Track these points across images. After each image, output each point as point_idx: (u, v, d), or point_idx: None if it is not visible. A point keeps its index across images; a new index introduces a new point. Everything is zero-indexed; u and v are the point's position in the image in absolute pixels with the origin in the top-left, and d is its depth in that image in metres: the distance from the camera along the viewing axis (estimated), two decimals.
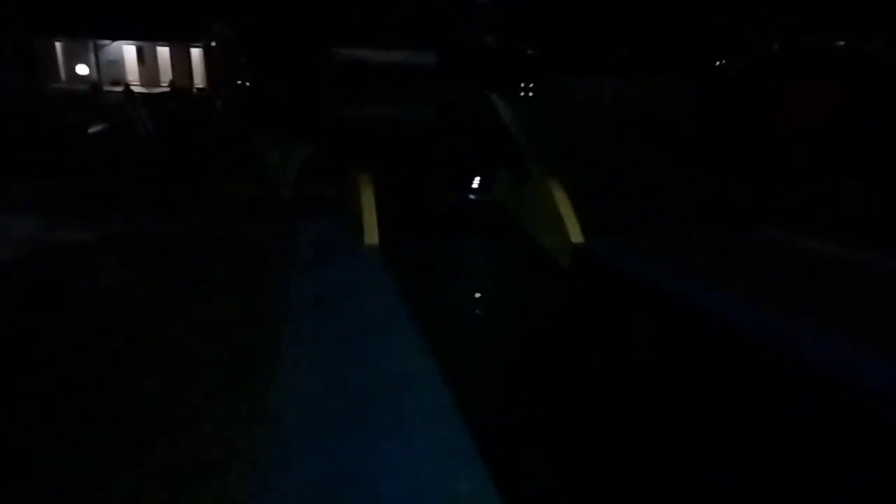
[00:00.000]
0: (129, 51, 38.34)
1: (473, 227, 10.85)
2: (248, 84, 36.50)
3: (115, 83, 35.07)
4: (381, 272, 7.28)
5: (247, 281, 6.87)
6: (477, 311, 7.95)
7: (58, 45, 37.89)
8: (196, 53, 38.68)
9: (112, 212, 9.82)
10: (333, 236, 8.77)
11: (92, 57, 37.80)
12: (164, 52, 38.51)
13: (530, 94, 39.06)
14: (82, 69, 35.33)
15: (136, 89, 35.45)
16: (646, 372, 6.79)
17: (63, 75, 38.54)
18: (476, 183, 13.50)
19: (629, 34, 43.99)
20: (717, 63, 40.11)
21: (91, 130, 20.60)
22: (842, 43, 39.61)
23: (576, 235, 8.63)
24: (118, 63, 38.17)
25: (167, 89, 34.86)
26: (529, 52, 44.42)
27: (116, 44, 37.83)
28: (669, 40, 43.80)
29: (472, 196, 12.73)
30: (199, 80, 38.54)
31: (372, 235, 8.21)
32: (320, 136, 13.08)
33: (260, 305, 6.14)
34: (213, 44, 38.62)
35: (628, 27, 44.46)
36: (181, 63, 38.41)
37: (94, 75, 36.82)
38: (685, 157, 17.28)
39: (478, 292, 8.40)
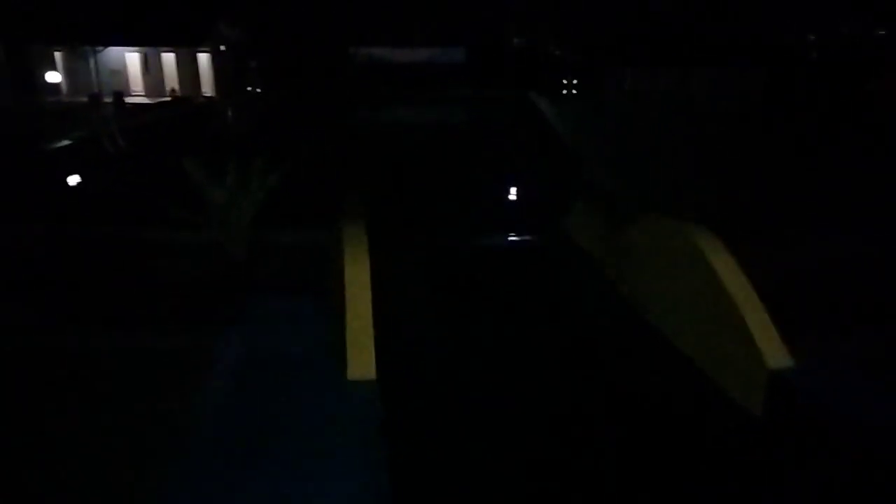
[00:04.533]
0: (132, 58, 35.21)
1: (546, 297, 6.69)
2: (258, 90, 32.97)
3: (119, 94, 31.95)
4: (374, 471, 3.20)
5: None
6: None
7: (57, 55, 34.91)
8: (204, 59, 35.35)
9: None
10: (290, 355, 4.73)
11: (92, 66, 34.74)
12: (169, 58, 35.26)
13: (573, 91, 34.60)
14: (53, 77, 31.95)
15: (139, 100, 32.30)
16: None
17: (64, 88, 35.57)
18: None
19: (680, 16, 39.00)
20: (791, 48, 35.12)
21: (51, 147, 17.03)
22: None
23: (774, 353, 4.39)
24: (120, 72, 35.04)
25: (169, 99, 31.59)
26: (558, 52, 39.57)
27: (118, 51, 34.74)
28: (725, 22, 38.72)
29: (527, 237, 8.56)
30: (207, 87, 35.20)
31: (362, 363, 4.12)
32: (317, 148, 9.06)
33: None
34: (222, 48, 35.21)
35: (679, 8, 39.51)
36: (188, 70, 35.14)
37: (95, 86, 33.70)
38: (821, 166, 12.80)
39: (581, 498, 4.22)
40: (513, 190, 11.36)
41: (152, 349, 5.10)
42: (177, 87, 34.17)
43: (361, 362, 4.20)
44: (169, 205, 6.98)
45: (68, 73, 34.94)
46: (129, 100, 31.01)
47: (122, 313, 5.79)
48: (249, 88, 33.18)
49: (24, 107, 28.78)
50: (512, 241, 8.53)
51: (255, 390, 4.45)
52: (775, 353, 4.46)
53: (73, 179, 12.70)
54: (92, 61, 34.66)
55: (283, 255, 6.99)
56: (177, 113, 26.93)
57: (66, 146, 17.42)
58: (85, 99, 30.57)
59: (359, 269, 4.58)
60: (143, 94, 34.29)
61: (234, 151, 8.60)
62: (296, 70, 34.73)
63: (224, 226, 6.72)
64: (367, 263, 4.68)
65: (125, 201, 10.81)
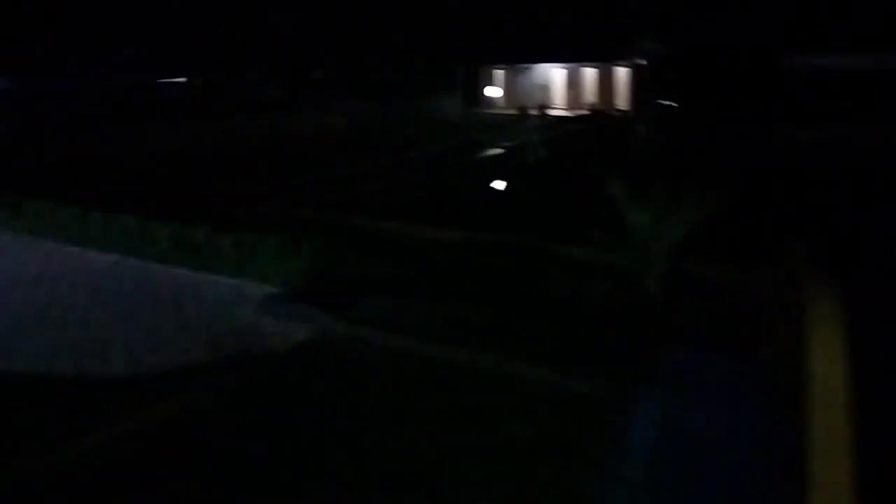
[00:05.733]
0: (556, 74, 38.05)
1: None
2: (673, 104, 31.93)
3: (543, 106, 34.90)
4: None
5: None
6: None
7: (496, 72, 39.74)
8: (622, 73, 36.08)
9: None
10: (713, 441, 3.85)
11: (524, 82, 38.70)
12: (589, 73, 37.07)
13: None
14: (491, 91, 36.29)
15: (560, 112, 34.60)
16: None
17: (499, 101, 40.16)
18: None
19: None
20: None
21: (481, 155, 19.12)
22: None
23: None
24: (546, 86, 38.27)
25: (586, 112, 32.97)
26: None
27: (546, 67, 37.99)
28: None
29: None
30: (621, 100, 35.84)
31: (833, 490, 3.01)
32: (742, 170, 8.00)
33: None
34: (642, 61, 35.23)
35: None
36: (604, 84, 36.47)
37: (524, 100, 37.32)
38: None
39: None
40: None
41: (542, 384, 4.86)
42: (594, 100, 35.60)
43: (832, 488, 3.06)
44: (582, 221, 6.78)
45: (503, 87, 39.54)
46: (551, 112, 33.43)
47: (517, 331, 5.72)
48: (664, 102, 32.39)
49: (469, 118, 33.42)
50: None
51: (669, 481, 3.70)
52: None
53: (496, 186, 13.81)
54: (523, 77, 38.52)
55: (705, 296, 6.11)
56: (593, 125, 27.87)
57: (495, 154, 19.39)
58: (514, 111, 34.16)
59: (831, 348, 3.42)
60: (564, 106, 36.66)
61: (655, 169, 7.98)
62: (717, 82, 32.63)
63: (643, 253, 6.17)
64: (840, 341, 3.47)
65: (539, 212, 11.20)
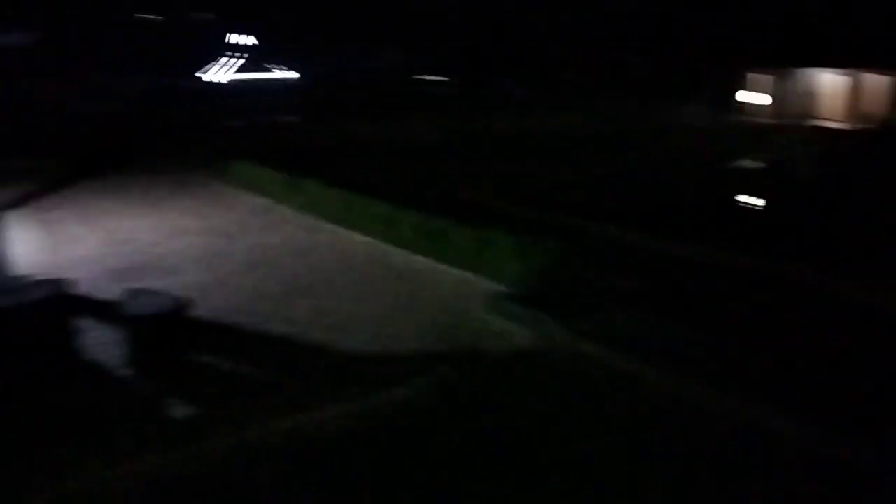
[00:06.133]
0: (829, 80, 33.13)
1: None
2: None
3: (811, 116, 30.86)
4: None
5: None
6: None
7: (754, 77, 35.91)
8: None
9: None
10: None
11: (789, 88, 34.42)
12: (874, 81, 31.67)
13: None
14: (750, 97, 32.60)
15: (832, 124, 30.20)
16: None
17: (763, 108, 36.10)
18: None
19: None
20: None
21: (736, 166, 17.49)
22: None
23: None
24: (813, 94, 33.53)
25: (871, 126, 28.28)
26: None
27: (813, 72, 33.38)
28: None
29: None
30: None
31: None
32: None
33: None
34: None
35: None
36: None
37: (788, 108, 33.38)
38: None
39: None
40: None
41: (791, 440, 4.15)
42: (882, 112, 30.35)
43: None
44: (857, 252, 5.75)
45: (761, 93, 35.44)
46: (822, 123, 29.43)
47: (766, 371, 4.99)
48: None
49: (719, 124, 30.59)
50: None
51: None
52: None
53: (753, 203, 12.55)
54: (788, 83, 34.21)
55: None
56: (879, 142, 23.74)
57: (752, 168, 17.60)
58: (775, 121, 30.52)
59: None
60: (836, 118, 31.91)
61: None
62: None
63: None
64: None
65: (803, 236, 9.90)
